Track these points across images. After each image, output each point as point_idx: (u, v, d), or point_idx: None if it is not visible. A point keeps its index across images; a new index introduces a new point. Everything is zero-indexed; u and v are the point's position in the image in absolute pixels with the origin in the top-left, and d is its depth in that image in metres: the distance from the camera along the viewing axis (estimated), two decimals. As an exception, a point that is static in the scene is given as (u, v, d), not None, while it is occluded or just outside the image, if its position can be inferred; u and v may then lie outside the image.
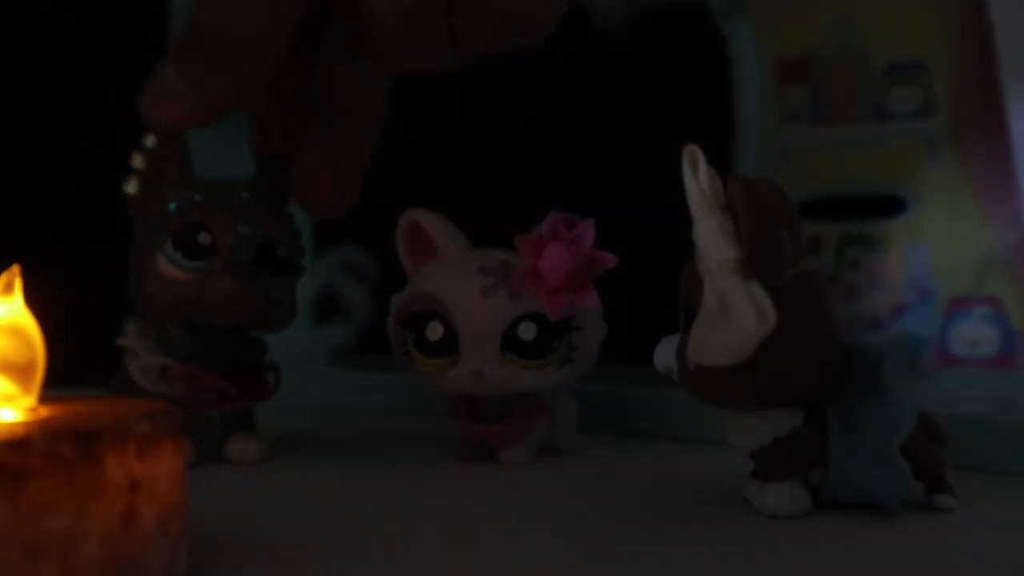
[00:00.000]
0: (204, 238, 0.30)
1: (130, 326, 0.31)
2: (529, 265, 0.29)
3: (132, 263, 0.31)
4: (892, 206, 0.43)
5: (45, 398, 0.20)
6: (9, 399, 0.19)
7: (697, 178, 0.23)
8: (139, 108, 0.31)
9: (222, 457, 0.32)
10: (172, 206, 0.30)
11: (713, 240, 0.22)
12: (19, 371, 0.20)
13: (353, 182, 0.33)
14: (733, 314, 0.21)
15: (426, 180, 0.51)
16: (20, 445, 0.16)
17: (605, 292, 0.29)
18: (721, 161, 0.24)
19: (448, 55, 0.30)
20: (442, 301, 0.30)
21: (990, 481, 0.27)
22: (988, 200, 0.40)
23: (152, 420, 0.18)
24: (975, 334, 0.40)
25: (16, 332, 0.20)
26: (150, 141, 0.31)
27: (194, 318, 0.30)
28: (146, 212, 0.31)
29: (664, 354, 0.24)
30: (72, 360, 0.25)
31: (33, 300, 0.21)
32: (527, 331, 0.29)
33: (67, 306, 0.26)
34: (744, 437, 0.24)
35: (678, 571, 0.20)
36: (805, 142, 0.45)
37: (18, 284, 0.20)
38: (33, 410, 0.19)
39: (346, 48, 0.33)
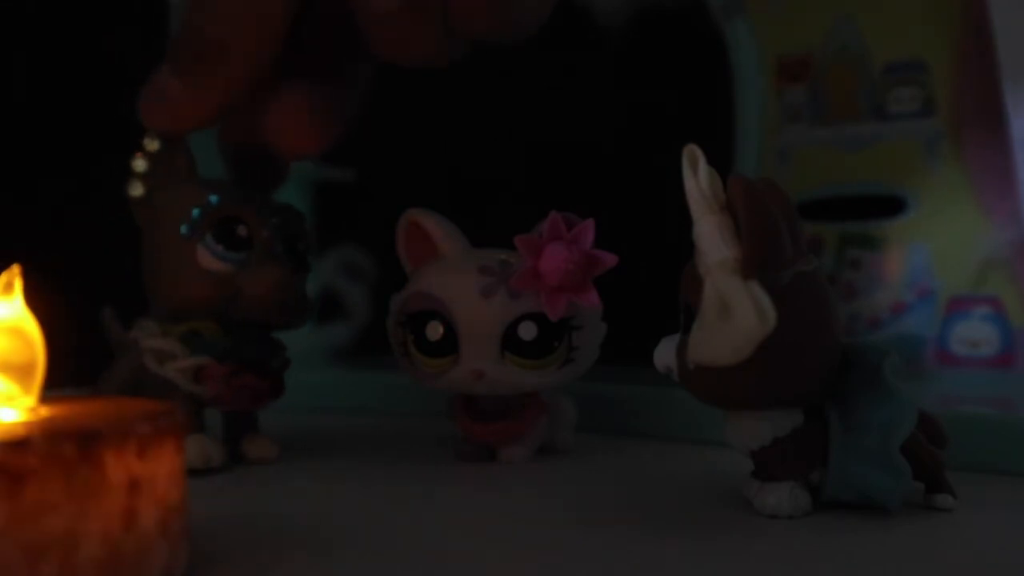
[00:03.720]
0: (242, 230, 0.30)
1: (148, 327, 0.30)
2: (529, 265, 0.29)
3: (154, 263, 0.31)
4: (892, 206, 0.43)
5: (45, 398, 0.20)
6: (9, 399, 0.19)
7: (697, 178, 0.23)
8: (136, 111, 0.30)
9: (238, 457, 0.32)
10: (214, 198, 0.30)
11: (713, 240, 0.22)
12: (19, 371, 0.20)
13: (328, 123, 0.32)
14: (733, 314, 0.21)
15: (426, 180, 0.51)
16: (20, 445, 0.16)
17: (605, 292, 0.29)
18: (721, 161, 0.24)
19: (442, 47, 0.29)
20: (442, 301, 0.30)
21: (990, 481, 0.27)
22: (988, 200, 0.40)
23: (152, 420, 0.18)
24: (975, 334, 0.40)
25: (16, 332, 0.20)
26: (153, 145, 0.31)
27: (232, 312, 0.30)
28: (163, 212, 0.30)
29: (664, 354, 0.24)
30: (72, 360, 0.25)
31: (33, 300, 0.21)
32: (527, 331, 0.29)
33: (67, 306, 0.26)
34: (744, 437, 0.24)
35: (678, 571, 0.20)
36: (805, 142, 0.45)
37: (18, 284, 0.20)
38: (33, 410, 0.19)
39: (332, 30, 0.32)
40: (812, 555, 0.21)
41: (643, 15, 0.57)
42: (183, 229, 0.30)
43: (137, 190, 0.31)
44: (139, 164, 0.31)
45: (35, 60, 0.56)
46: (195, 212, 0.30)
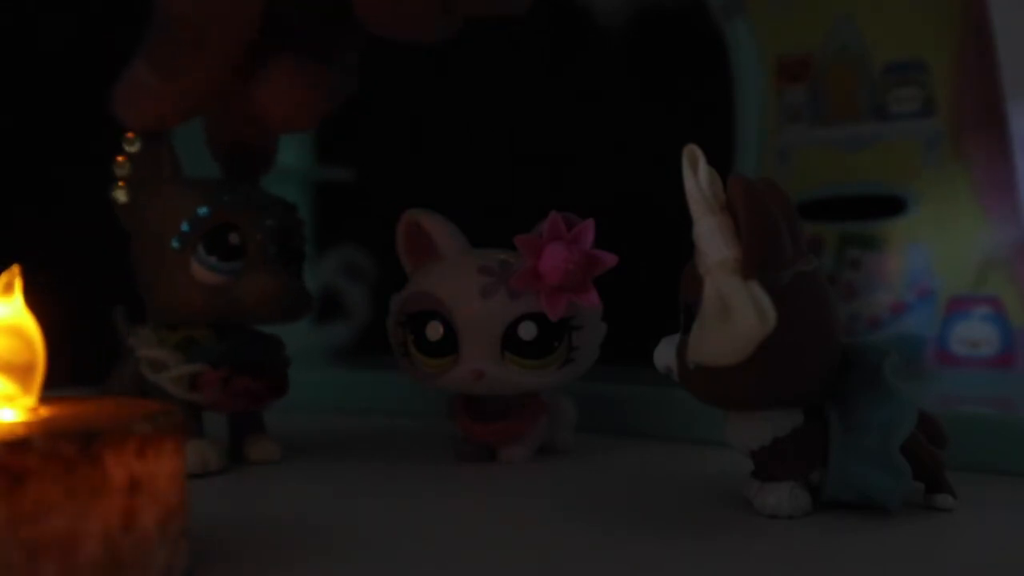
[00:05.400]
0: (234, 238, 0.29)
1: (144, 335, 0.30)
2: (529, 265, 0.29)
3: (148, 273, 0.30)
4: (892, 206, 0.43)
5: (45, 398, 0.20)
6: (9, 399, 0.19)
7: (697, 178, 0.23)
8: (111, 107, 0.30)
9: (241, 459, 0.32)
10: (202, 210, 0.29)
11: (713, 240, 0.22)
12: (19, 371, 0.20)
13: (318, 96, 0.31)
14: (733, 314, 0.21)
15: (426, 180, 0.51)
16: (20, 445, 0.16)
17: (605, 292, 0.29)
18: (721, 161, 0.24)
19: (438, 22, 0.29)
20: (442, 301, 0.30)
21: (990, 481, 0.27)
22: (988, 200, 0.40)
23: (152, 420, 0.18)
24: (975, 334, 0.40)
25: (16, 332, 0.20)
26: (134, 145, 0.30)
27: (232, 319, 0.30)
28: (148, 218, 0.30)
29: (664, 354, 0.24)
30: (72, 360, 0.25)
31: (33, 300, 0.21)
32: (527, 331, 0.29)
33: (67, 306, 0.26)
34: (744, 437, 0.24)
35: (678, 571, 0.20)
36: (805, 142, 0.45)
37: (18, 284, 0.20)
38: (33, 410, 0.19)
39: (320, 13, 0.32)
40: (812, 555, 0.21)
41: (643, 15, 0.57)
42: (174, 243, 0.29)
43: (122, 195, 0.30)
44: (121, 167, 0.30)
45: (36, 56, 0.56)
46: (184, 226, 0.29)
